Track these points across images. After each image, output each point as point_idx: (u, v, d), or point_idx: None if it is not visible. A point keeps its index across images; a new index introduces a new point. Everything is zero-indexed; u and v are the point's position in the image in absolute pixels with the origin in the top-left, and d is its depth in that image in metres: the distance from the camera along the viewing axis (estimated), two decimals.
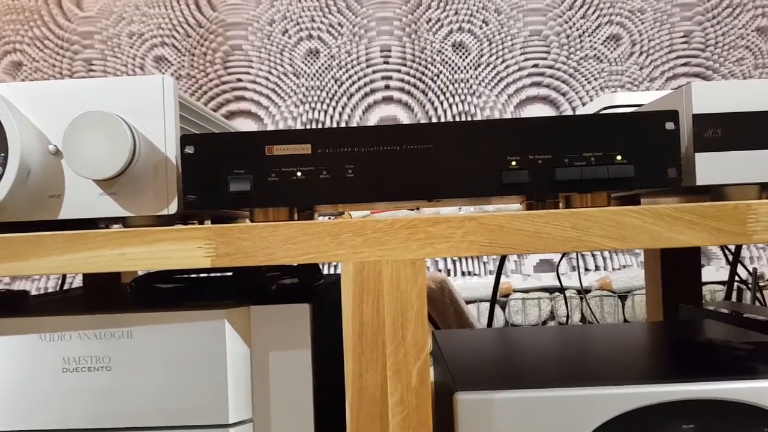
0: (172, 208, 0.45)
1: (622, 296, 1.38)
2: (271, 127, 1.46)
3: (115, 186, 0.45)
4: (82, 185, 0.45)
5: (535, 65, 1.41)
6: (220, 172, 0.44)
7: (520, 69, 1.41)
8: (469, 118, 1.42)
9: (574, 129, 0.43)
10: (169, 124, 0.45)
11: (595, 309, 1.38)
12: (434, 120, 1.43)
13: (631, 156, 0.43)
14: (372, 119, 1.44)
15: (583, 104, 1.41)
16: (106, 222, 0.54)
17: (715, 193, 0.46)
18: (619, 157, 0.43)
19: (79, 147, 0.43)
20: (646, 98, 0.60)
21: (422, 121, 1.43)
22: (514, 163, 0.44)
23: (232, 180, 0.44)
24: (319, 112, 1.45)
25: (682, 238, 0.42)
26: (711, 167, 0.44)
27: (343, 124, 1.45)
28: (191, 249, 0.43)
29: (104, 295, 0.63)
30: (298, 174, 0.44)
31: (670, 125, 0.43)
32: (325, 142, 0.44)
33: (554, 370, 0.49)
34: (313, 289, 0.54)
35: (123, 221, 0.47)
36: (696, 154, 0.44)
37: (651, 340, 0.60)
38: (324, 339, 0.51)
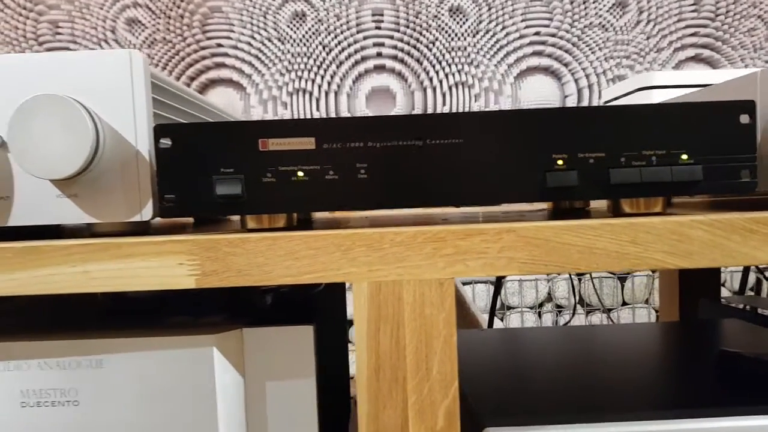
0: (146, 214, 0.37)
1: (622, 278, 1.33)
2: (254, 98, 1.36)
3: (75, 186, 0.37)
4: (35, 185, 0.37)
5: (537, 33, 1.32)
6: (205, 170, 0.36)
7: (521, 37, 1.32)
8: (467, 89, 1.33)
9: (632, 122, 0.36)
10: (140, 110, 0.37)
11: (593, 292, 1.33)
12: (429, 91, 1.34)
13: (699, 155, 0.36)
14: (363, 89, 1.35)
15: (587, 76, 1.33)
16: (69, 230, 0.46)
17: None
18: (684, 156, 0.36)
19: (28, 139, 0.35)
20: (689, 78, 0.53)
21: (416, 93, 1.35)
22: (561, 162, 0.36)
23: (219, 181, 0.36)
24: (306, 81, 1.35)
25: (760, 255, 0.35)
26: None
27: (332, 95, 1.35)
28: (171, 266, 0.35)
29: (64, 306, 0.56)
30: (299, 174, 0.36)
31: (744, 119, 0.36)
32: (333, 135, 0.36)
33: (594, 391, 0.43)
34: (313, 301, 0.47)
35: (87, 228, 0.39)
36: None
37: (688, 349, 0.55)
38: (323, 359, 0.44)
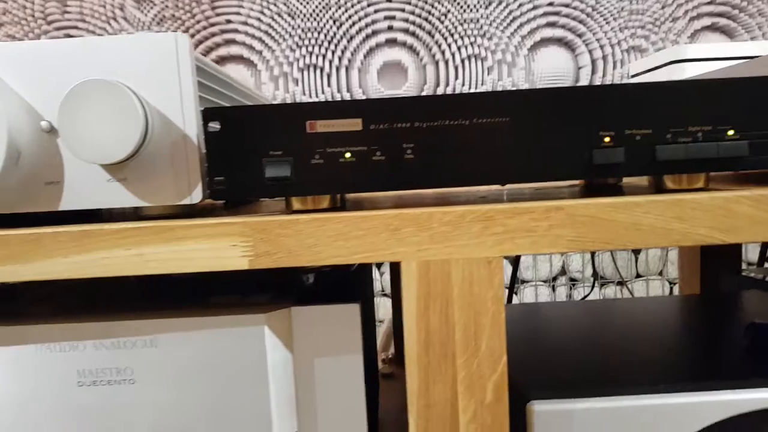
0: (196, 197, 0.38)
1: (636, 250, 1.33)
2: (265, 75, 1.35)
3: (125, 170, 0.37)
4: (84, 170, 0.37)
5: (551, 3, 1.31)
6: (254, 153, 0.36)
7: (534, 7, 1.31)
8: (479, 62, 1.33)
9: (678, 98, 0.36)
10: (187, 93, 0.37)
11: (608, 263, 1.34)
12: (441, 65, 1.33)
13: (745, 130, 0.37)
14: (374, 64, 1.34)
15: (601, 47, 1.32)
16: (115, 213, 0.46)
17: None
18: (730, 132, 0.36)
19: (79, 125, 0.35)
20: (722, 51, 0.53)
21: (428, 66, 1.34)
22: (607, 139, 0.37)
23: (268, 164, 0.36)
24: (317, 56, 1.34)
25: None
26: None
27: (343, 71, 1.35)
28: (224, 248, 0.36)
29: (108, 287, 0.56)
30: (347, 155, 0.37)
31: None
32: (379, 115, 0.36)
33: (630, 364, 0.44)
34: (355, 279, 0.47)
35: (135, 211, 0.39)
36: None
37: (718, 321, 0.55)
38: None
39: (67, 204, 0.38)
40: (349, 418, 0.40)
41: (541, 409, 0.39)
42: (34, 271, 0.36)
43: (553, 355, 0.47)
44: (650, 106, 0.36)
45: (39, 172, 0.37)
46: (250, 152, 0.36)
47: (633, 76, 0.64)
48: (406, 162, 0.37)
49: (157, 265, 0.36)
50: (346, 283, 0.46)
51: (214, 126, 0.36)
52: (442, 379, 0.37)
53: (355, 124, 0.36)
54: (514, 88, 0.39)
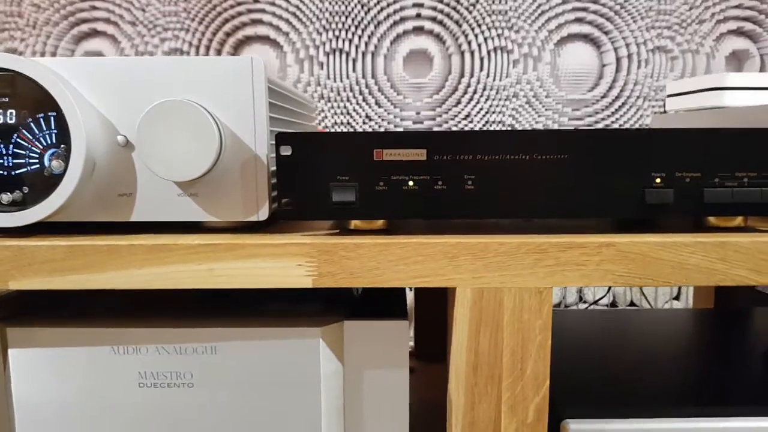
0: (263, 214, 0.40)
1: None
2: (291, 57, 1.36)
3: (196, 186, 0.39)
4: (156, 183, 0.39)
5: None
6: (322, 177, 0.38)
7: (563, 2, 1.31)
8: (505, 54, 1.33)
9: (728, 144, 0.38)
10: (260, 116, 0.39)
11: None
12: (467, 55, 1.34)
13: None
14: (400, 51, 1.35)
15: (627, 45, 1.32)
16: (182, 226, 0.47)
17: None
18: None
19: (157, 143, 0.37)
20: (762, 81, 0.54)
21: (453, 56, 1.34)
22: (659, 180, 0.38)
23: (335, 188, 0.38)
24: (344, 41, 1.34)
25: None
26: None
27: (368, 57, 1.35)
28: (290, 267, 0.38)
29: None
30: (410, 183, 0.38)
31: None
32: (443, 147, 0.38)
33: (660, 383, 0.46)
34: (402, 297, 0.49)
35: (201, 225, 0.41)
36: None
37: (745, 339, 0.58)
38: None
39: (138, 215, 0.40)
40: (394, 430, 0.43)
41: (576, 428, 0.41)
42: (109, 280, 0.38)
43: (584, 370, 0.50)
44: (701, 149, 0.38)
45: (113, 183, 0.39)
46: (318, 176, 0.38)
47: (670, 96, 0.66)
48: (467, 192, 0.38)
49: (226, 280, 0.38)
50: (390, 297, 0.49)
51: (286, 150, 0.38)
52: (487, 399, 0.39)
53: (419, 154, 0.38)
54: (559, 127, 0.40)
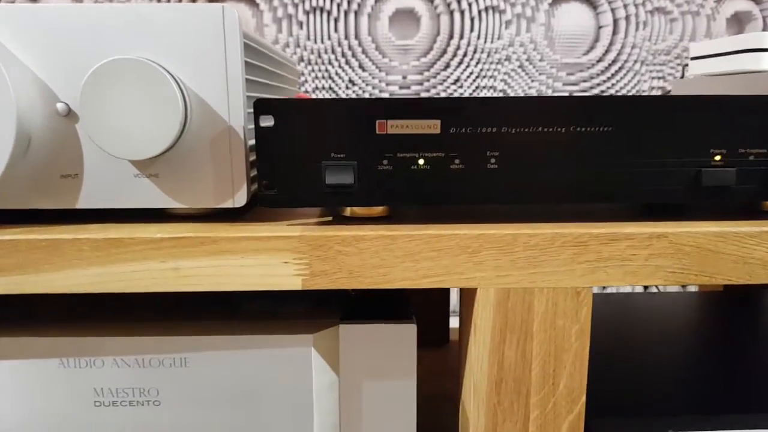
0: (239, 200, 0.32)
1: None
2: (268, 16, 1.26)
3: (156, 165, 0.32)
4: (108, 162, 0.32)
5: None
6: (313, 154, 0.31)
7: None
8: (497, 14, 1.25)
9: None
10: (234, 78, 0.31)
11: None
12: (456, 15, 1.25)
13: None
14: (386, 10, 1.25)
15: (624, 6, 1.25)
16: (141, 214, 0.39)
17: None
18: None
19: (105, 112, 0.29)
20: None
21: (442, 16, 1.26)
22: (718, 158, 0.32)
23: (329, 168, 0.31)
24: None
25: None
26: None
27: (351, 15, 1.26)
28: (275, 265, 0.31)
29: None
30: (420, 162, 0.31)
31: None
32: (461, 118, 0.31)
33: (687, 391, 0.41)
34: (407, 297, 0.43)
35: (164, 213, 0.34)
36: None
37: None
38: None
39: (85, 202, 0.32)
40: None
41: None
42: (47, 284, 0.30)
43: (607, 374, 0.44)
44: (766, 122, 0.31)
45: (53, 162, 0.32)
46: (307, 153, 0.31)
47: (693, 59, 0.59)
48: (489, 172, 0.32)
49: (195, 282, 0.31)
50: (392, 295, 0.42)
51: (267, 121, 0.30)
52: (512, 418, 0.33)
53: (432, 126, 0.31)
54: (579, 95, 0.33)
